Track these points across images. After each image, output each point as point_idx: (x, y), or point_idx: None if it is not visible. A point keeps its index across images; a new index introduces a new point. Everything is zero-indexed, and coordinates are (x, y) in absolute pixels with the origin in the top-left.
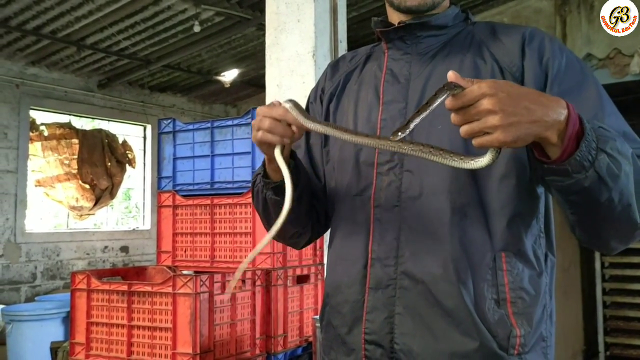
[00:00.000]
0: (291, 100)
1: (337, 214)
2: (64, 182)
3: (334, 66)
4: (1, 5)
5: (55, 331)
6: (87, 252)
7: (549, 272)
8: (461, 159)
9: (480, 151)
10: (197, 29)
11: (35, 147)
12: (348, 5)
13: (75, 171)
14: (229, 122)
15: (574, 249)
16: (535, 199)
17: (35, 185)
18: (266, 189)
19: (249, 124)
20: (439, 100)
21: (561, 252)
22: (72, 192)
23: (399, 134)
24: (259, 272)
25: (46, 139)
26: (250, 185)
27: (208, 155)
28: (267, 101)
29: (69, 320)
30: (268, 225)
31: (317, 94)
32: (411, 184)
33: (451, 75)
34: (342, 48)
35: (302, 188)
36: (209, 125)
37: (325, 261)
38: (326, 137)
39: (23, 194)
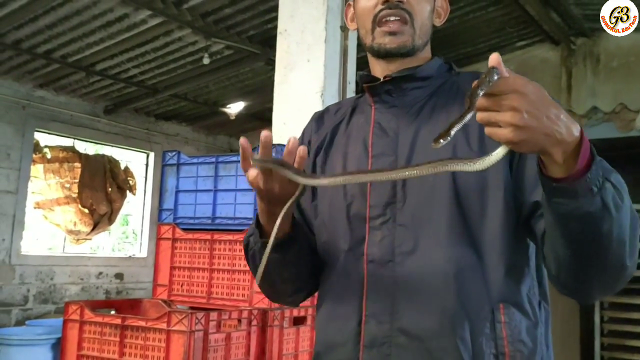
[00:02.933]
0: (261, 160)
1: (328, 270)
2: (63, 206)
3: (319, 119)
4: (14, 28)
5: (44, 358)
6: (82, 277)
7: (544, 322)
8: (474, 160)
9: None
10: (206, 61)
11: (37, 169)
12: (357, 46)
13: (75, 195)
14: (234, 158)
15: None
16: (526, 246)
17: (34, 207)
18: (264, 249)
19: None
20: (481, 92)
21: (561, 303)
22: (70, 216)
23: (441, 140)
24: (255, 312)
25: (49, 161)
26: (250, 223)
27: (211, 190)
28: (273, 138)
29: (58, 347)
30: (268, 286)
31: (303, 144)
32: (405, 238)
33: (494, 58)
34: (351, 89)
35: (302, 243)
36: (213, 160)
37: None
38: (314, 191)
39: (21, 215)
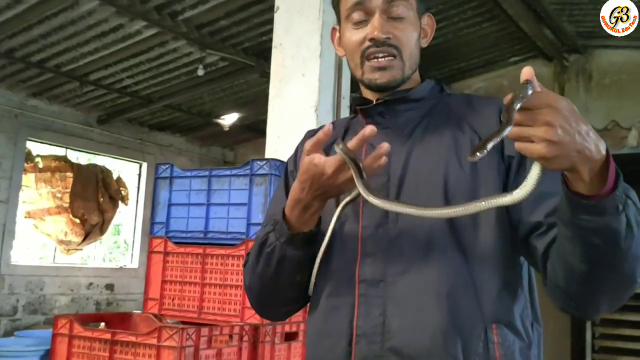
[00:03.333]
0: (348, 151)
1: (319, 287)
2: (54, 215)
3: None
4: (7, 37)
5: None
6: (72, 288)
7: (536, 343)
8: (507, 194)
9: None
10: (200, 72)
11: (28, 179)
12: None
13: (66, 205)
14: (227, 172)
15: (566, 318)
16: (519, 267)
17: (25, 217)
18: (288, 243)
19: (247, 174)
20: (518, 106)
21: (552, 322)
22: (61, 225)
23: (477, 154)
24: (246, 328)
25: (40, 170)
26: (242, 238)
27: (204, 204)
28: (268, 152)
29: (47, 359)
30: (272, 293)
31: (296, 165)
32: (397, 258)
33: (528, 72)
34: (345, 104)
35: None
36: (206, 173)
37: None
38: None
39: (12, 224)
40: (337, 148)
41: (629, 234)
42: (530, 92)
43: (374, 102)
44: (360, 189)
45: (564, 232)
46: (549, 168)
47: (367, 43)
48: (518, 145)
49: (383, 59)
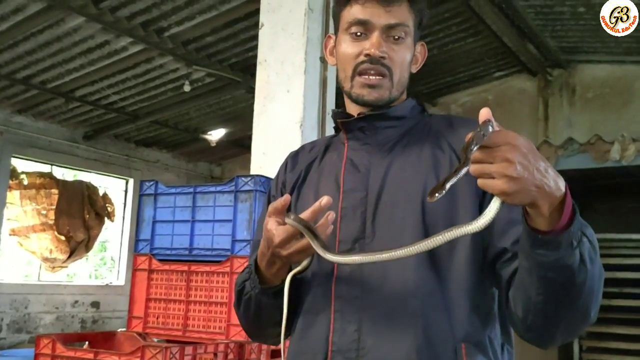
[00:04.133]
0: (298, 219)
1: (300, 304)
2: (39, 233)
3: (294, 157)
4: None
5: None
6: (57, 306)
7: None
8: (470, 224)
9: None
10: (187, 88)
11: (13, 196)
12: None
13: (51, 222)
14: (212, 189)
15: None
16: (489, 289)
17: (10, 234)
18: (262, 294)
19: (232, 191)
20: (475, 147)
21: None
22: (46, 243)
23: (436, 194)
24: (232, 345)
25: (25, 187)
26: (227, 254)
27: (188, 221)
28: (253, 168)
29: None
30: (257, 329)
31: (277, 187)
32: (373, 274)
33: (485, 113)
34: (330, 120)
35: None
36: (191, 190)
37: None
38: None
39: None
40: (288, 220)
41: (582, 270)
42: (490, 129)
43: (355, 117)
44: (318, 249)
45: (523, 264)
46: (511, 203)
47: (362, 58)
48: (480, 182)
49: (374, 77)
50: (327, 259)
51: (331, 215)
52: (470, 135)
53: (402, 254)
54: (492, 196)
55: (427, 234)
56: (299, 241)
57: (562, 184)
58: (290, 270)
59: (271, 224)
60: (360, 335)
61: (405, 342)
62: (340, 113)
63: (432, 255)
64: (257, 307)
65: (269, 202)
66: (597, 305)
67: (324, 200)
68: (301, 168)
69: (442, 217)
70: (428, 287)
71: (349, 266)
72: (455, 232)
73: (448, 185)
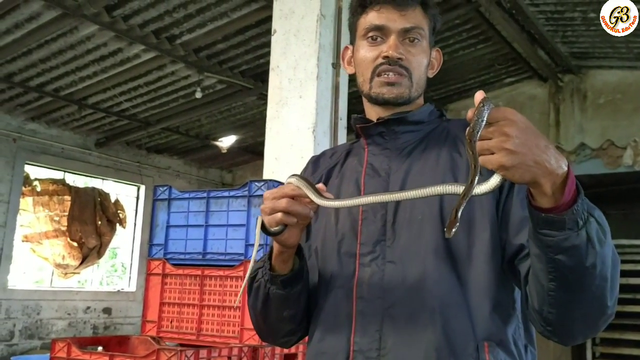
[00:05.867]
0: (296, 175)
1: (319, 307)
2: (51, 239)
3: (315, 163)
4: (6, 62)
5: None
6: (69, 312)
7: None
8: (461, 185)
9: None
10: (198, 95)
11: (26, 202)
12: (349, 82)
13: (64, 228)
14: (225, 194)
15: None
16: (512, 288)
17: (23, 241)
18: (271, 283)
19: (245, 196)
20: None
21: (553, 344)
22: (59, 249)
23: (452, 230)
24: (245, 349)
25: (38, 194)
26: (241, 259)
27: (202, 225)
28: (265, 173)
29: None
30: (265, 323)
31: None
32: (394, 275)
33: (478, 95)
34: (342, 125)
35: (304, 282)
36: (204, 195)
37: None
38: (308, 232)
39: (9, 249)
40: (289, 179)
41: (590, 251)
42: (485, 113)
43: (375, 122)
44: (312, 197)
45: (532, 250)
46: (511, 179)
47: (381, 60)
48: (481, 159)
49: (393, 76)
50: (320, 204)
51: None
52: (468, 129)
53: (395, 197)
54: (507, 194)
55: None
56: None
57: (563, 162)
58: (303, 261)
59: (278, 191)
60: (382, 335)
61: (424, 341)
62: (360, 118)
63: (450, 254)
64: (266, 296)
65: None
66: (613, 294)
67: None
68: (322, 173)
69: (462, 218)
70: (447, 285)
71: (370, 268)
72: (449, 188)
73: (459, 214)
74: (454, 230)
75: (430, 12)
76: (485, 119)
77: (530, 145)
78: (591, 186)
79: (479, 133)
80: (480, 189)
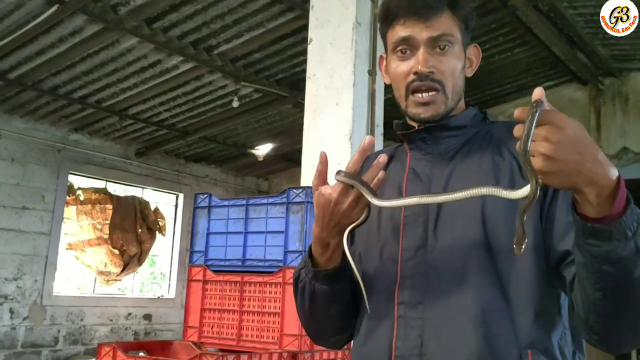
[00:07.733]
0: (347, 175)
1: (362, 311)
2: (94, 247)
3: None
4: (51, 75)
5: None
6: (111, 318)
7: None
8: (504, 190)
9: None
10: (235, 104)
11: (70, 211)
12: (384, 89)
13: (106, 236)
14: (264, 201)
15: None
16: (557, 294)
17: (67, 249)
18: (315, 279)
19: (283, 203)
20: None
21: (595, 350)
22: (101, 257)
23: (522, 246)
24: (285, 355)
25: (81, 203)
26: (280, 265)
27: (241, 232)
28: (303, 180)
29: None
30: (314, 322)
31: None
32: (435, 281)
33: (537, 92)
34: (379, 132)
35: (349, 279)
36: (244, 202)
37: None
38: (352, 236)
39: (54, 256)
40: (337, 177)
41: (639, 263)
42: (535, 119)
43: (416, 128)
44: (368, 196)
45: (578, 259)
46: (549, 184)
47: (412, 77)
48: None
49: (426, 95)
50: (376, 204)
51: (382, 157)
52: (519, 143)
53: (448, 198)
54: (552, 198)
55: (487, 241)
56: (353, 191)
57: (613, 173)
58: (344, 257)
59: (324, 188)
60: (423, 340)
61: (465, 347)
62: (402, 124)
63: (493, 260)
64: (312, 294)
65: None
66: None
67: (366, 141)
68: None
69: (503, 224)
70: (489, 292)
71: (411, 272)
72: (488, 190)
73: (526, 227)
74: (523, 246)
75: (459, 13)
76: (534, 125)
77: (571, 152)
78: (633, 190)
79: (529, 143)
80: (514, 193)
